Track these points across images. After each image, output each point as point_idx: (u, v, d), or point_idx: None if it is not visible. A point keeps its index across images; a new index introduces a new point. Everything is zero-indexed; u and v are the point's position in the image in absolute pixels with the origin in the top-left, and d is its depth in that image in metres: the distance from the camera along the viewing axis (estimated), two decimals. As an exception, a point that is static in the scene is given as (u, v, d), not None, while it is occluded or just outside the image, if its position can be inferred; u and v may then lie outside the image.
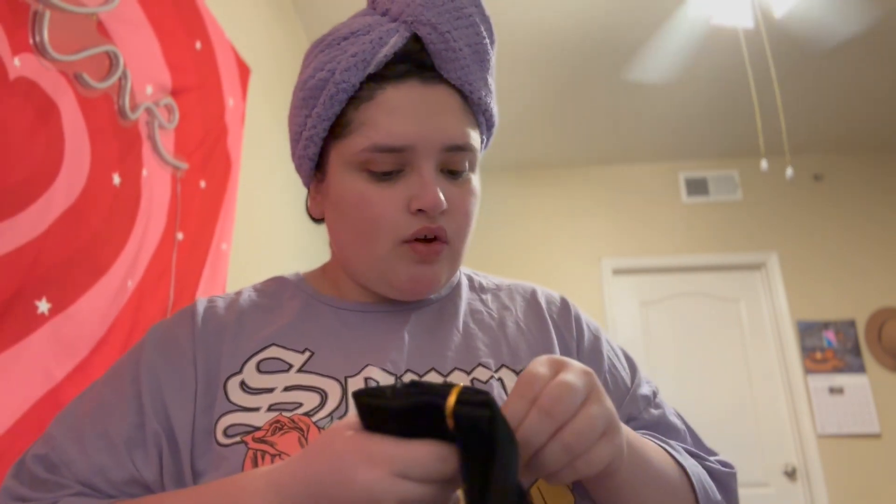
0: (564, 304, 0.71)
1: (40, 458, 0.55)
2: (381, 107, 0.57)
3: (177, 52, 1.40)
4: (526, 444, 0.40)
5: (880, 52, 2.88)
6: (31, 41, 0.98)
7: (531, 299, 0.70)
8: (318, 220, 0.68)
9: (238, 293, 0.67)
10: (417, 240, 0.58)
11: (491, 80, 0.63)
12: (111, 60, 1.17)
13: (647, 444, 0.56)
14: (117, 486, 0.54)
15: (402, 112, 0.57)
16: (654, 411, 0.66)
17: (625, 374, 0.67)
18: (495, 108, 0.64)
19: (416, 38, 0.59)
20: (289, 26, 2.46)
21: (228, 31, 1.70)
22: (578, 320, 0.69)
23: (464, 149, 0.59)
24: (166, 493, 0.53)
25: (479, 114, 0.62)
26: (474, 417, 0.36)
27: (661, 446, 0.59)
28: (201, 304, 0.64)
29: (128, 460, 0.54)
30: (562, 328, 0.67)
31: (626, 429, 0.51)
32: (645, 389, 0.67)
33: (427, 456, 0.37)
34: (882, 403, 3.29)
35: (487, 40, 0.61)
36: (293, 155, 0.68)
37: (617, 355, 0.69)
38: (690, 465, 0.59)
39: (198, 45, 1.51)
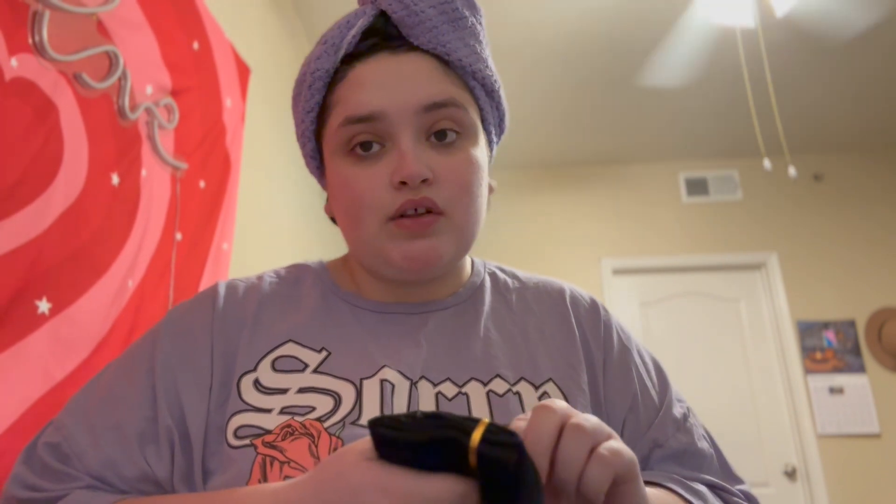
0: (594, 308, 0.68)
1: (52, 446, 0.54)
2: (352, 83, 0.58)
3: (176, 52, 1.40)
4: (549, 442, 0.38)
5: (881, 52, 2.88)
6: (30, 41, 0.98)
7: (559, 301, 0.67)
8: (333, 218, 0.66)
9: (259, 278, 0.65)
10: (404, 216, 0.56)
11: (475, 44, 0.60)
12: (111, 60, 1.17)
13: None
14: (128, 482, 0.53)
15: (371, 82, 0.57)
16: (682, 437, 0.61)
17: (654, 392, 0.64)
18: (490, 72, 0.62)
19: (383, 14, 0.60)
20: (289, 26, 2.46)
21: (228, 31, 1.70)
22: (608, 328, 0.66)
23: (444, 105, 0.56)
24: (171, 497, 0.52)
25: (467, 78, 0.60)
26: (501, 460, 0.34)
27: (689, 499, 0.55)
28: (222, 288, 0.62)
29: (139, 456, 0.53)
30: (588, 336, 0.64)
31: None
32: (675, 411, 0.63)
33: (447, 493, 0.35)
34: (882, 403, 3.29)
35: (459, 3, 0.59)
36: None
37: (648, 370, 0.66)
38: None
39: (195, 45, 1.51)
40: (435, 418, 0.36)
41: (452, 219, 0.57)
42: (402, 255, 0.56)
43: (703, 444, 0.63)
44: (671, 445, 0.61)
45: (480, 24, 0.62)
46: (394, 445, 0.37)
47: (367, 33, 0.59)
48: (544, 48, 2.85)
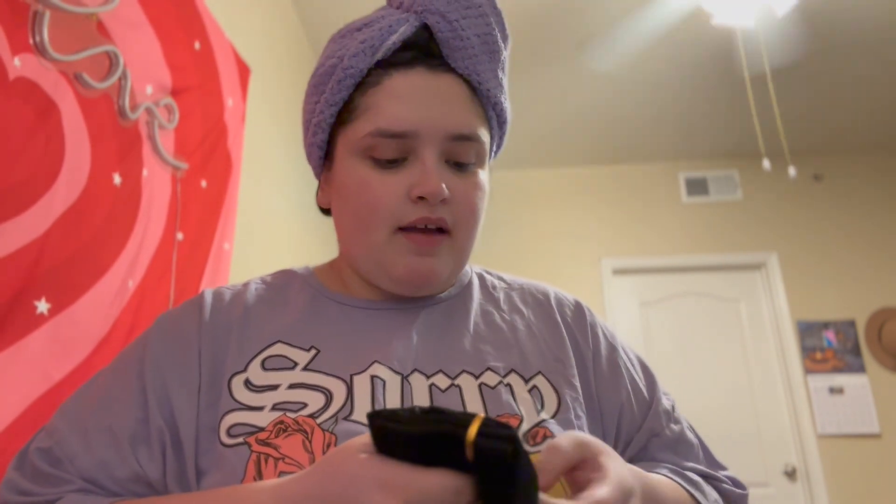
0: (579, 309, 0.70)
1: (44, 451, 0.55)
2: (387, 92, 0.58)
3: (177, 52, 1.40)
4: None
5: (881, 52, 2.88)
6: (31, 41, 0.98)
7: (544, 301, 0.69)
8: (325, 210, 0.68)
9: (245, 285, 0.66)
10: (416, 230, 0.57)
11: (502, 76, 0.62)
12: (111, 60, 1.17)
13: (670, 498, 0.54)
14: (121, 483, 0.54)
15: (408, 98, 0.57)
16: (674, 427, 0.65)
17: (643, 386, 0.67)
18: (507, 105, 0.64)
19: (425, 28, 0.60)
20: (289, 26, 2.46)
21: (228, 31, 1.70)
22: (594, 327, 0.68)
23: (470, 138, 0.58)
24: (168, 497, 0.52)
25: (488, 107, 0.62)
26: (496, 452, 0.35)
27: (689, 490, 0.58)
28: (208, 295, 0.63)
29: (132, 457, 0.54)
30: (576, 334, 0.66)
31: (648, 485, 0.50)
32: (665, 403, 0.67)
33: (442, 487, 0.36)
34: (882, 403, 3.29)
35: (498, 35, 0.61)
36: (304, 144, 0.68)
37: (634, 367, 0.68)
38: None
39: (197, 45, 1.51)
40: (432, 412, 0.37)
41: (456, 240, 0.59)
42: (405, 268, 0.58)
43: (690, 435, 0.66)
44: (667, 435, 0.64)
45: (507, 55, 0.64)
46: (392, 438, 0.37)
47: (405, 43, 0.60)
48: (545, 50, 2.84)
